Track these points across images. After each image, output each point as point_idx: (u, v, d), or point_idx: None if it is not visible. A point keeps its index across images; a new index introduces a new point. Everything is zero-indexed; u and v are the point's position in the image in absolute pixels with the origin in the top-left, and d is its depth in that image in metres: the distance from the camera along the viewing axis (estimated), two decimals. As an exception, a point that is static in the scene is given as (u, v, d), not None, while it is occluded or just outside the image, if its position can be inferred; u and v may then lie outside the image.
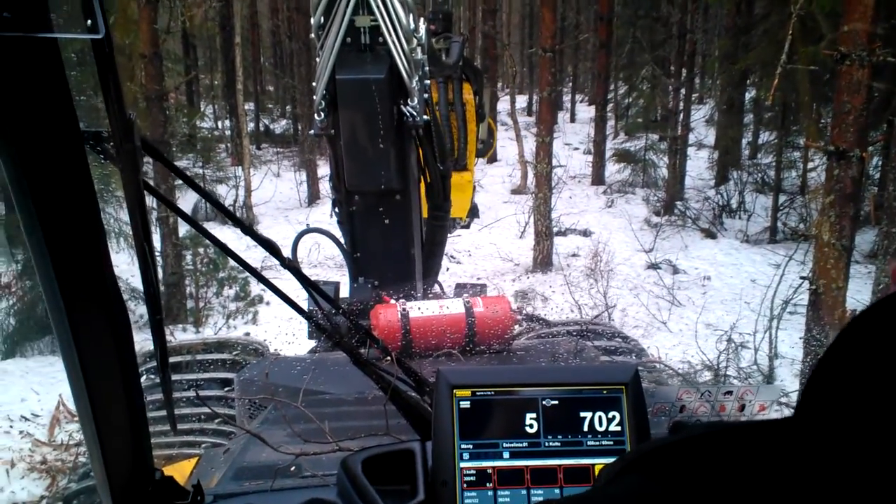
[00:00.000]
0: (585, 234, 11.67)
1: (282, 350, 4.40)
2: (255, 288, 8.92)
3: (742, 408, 1.62)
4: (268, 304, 8.70)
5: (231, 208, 12.16)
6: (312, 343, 3.81)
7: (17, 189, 0.89)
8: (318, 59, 3.13)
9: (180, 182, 8.90)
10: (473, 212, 6.18)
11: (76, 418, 5.40)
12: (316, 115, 3.15)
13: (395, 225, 3.38)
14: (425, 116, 3.28)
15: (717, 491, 0.50)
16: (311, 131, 3.32)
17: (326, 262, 9.39)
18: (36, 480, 4.80)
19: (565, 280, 8.59)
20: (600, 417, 1.36)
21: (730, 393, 1.61)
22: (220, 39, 18.41)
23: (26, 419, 5.63)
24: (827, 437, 0.44)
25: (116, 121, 1.00)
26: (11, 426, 5.50)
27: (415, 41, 3.10)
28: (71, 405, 5.64)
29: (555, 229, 10.70)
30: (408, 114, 3.14)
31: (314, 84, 3.19)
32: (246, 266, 1.43)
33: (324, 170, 14.24)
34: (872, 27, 5.22)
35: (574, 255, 10.51)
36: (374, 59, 3.04)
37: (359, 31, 3.02)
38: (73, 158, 0.92)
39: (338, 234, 3.72)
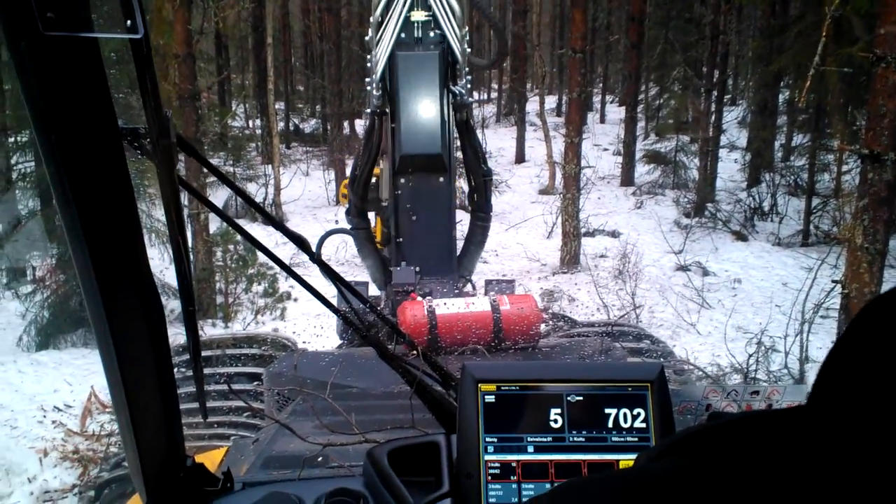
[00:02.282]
0: (614, 234, 11.60)
1: (309, 346, 4.45)
2: (284, 284, 9.00)
3: (769, 408, 1.61)
4: (295, 300, 8.78)
5: (266, 208, 12.30)
6: (340, 341, 3.87)
7: (58, 184, 0.92)
8: (370, 55, 3.60)
9: (212, 179, 9.03)
10: None
11: (108, 409, 5.51)
12: (374, 93, 3.60)
13: (437, 207, 3.60)
14: (471, 99, 3.60)
15: (749, 473, 0.51)
16: (368, 109, 3.79)
17: (354, 260, 9.43)
18: (68, 469, 4.91)
19: (592, 280, 8.55)
20: (625, 414, 1.37)
21: (757, 393, 1.60)
22: (252, 40, 18.64)
23: (59, 409, 5.75)
24: (838, 423, 0.45)
25: (153, 118, 1.03)
26: (45, 416, 5.62)
27: (464, 30, 3.53)
28: (103, 396, 5.75)
29: (583, 230, 10.65)
30: (457, 93, 3.58)
31: (369, 65, 3.70)
32: (278, 261, 1.46)
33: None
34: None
35: (602, 256, 10.45)
36: (426, 48, 3.56)
37: (412, 26, 3.53)
38: (111, 154, 0.95)
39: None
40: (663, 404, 1.38)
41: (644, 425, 1.38)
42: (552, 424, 1.36)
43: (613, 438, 1.37)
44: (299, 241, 1.46)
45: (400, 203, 3.62)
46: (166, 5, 8.00)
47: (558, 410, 1.37)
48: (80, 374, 6.37)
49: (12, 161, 8.29)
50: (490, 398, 1.37)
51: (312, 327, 6.66)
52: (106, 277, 1.00)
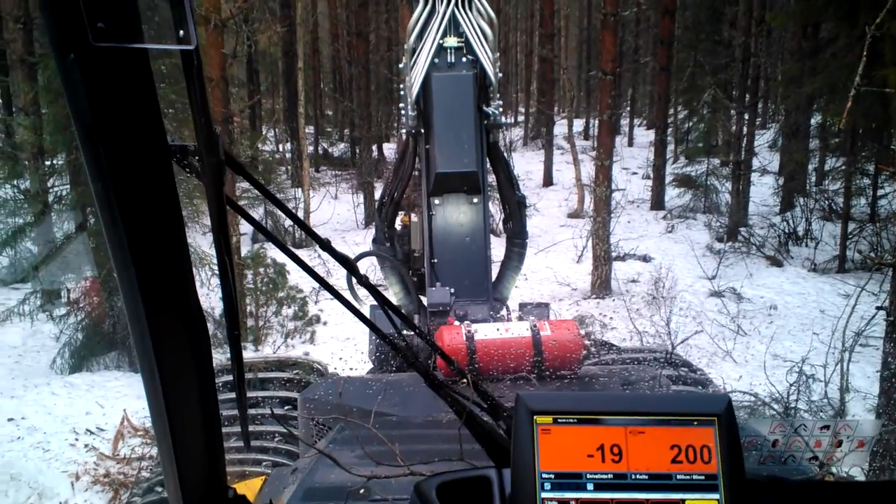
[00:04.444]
0: (645, 259, 11.45)
1: (340, 370, 4.40)
2: (313, 308, 8.99)
3: (840, 444, 1.51)
4: (325, 323, 8.76)
5: (290, 229, 12.38)
6: (370, 365, 3.82)
7: (104, 201, 0.88)
8: (409, 78, 3.66)
9: (243, 202, 9.07)
10: None
11: (139, 433, 5.49)
12: (411, 113, 3.69)
13: (472, 228, 3.62)
14: (504, 120, 3.62)
15: None
16: (403, 130, 3.93)
17: (381, 283, 9.41)
18: (99, 493, 4.89)
19: (625, 306, 8.41)
20: (691, 450, 1.28)
21: (826, 427, 1.50)
22: (283, 64, 18.87)
23: (91, 433, 5.75)
24: None
25: (202, 134, 0.99)
26: (77, 439, 5.62)
27: (496, 55, 3.60)
28: (135, 420, 5.74)
29: (613, 254, 10.52)
30: (490, 113, 3.65)
31: (403, 92, 3.82)
32: (328, 287, 1.39)
33: (380, 192, 14.34)
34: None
35: (633, 281, 10.31)
36: (458, 71, 3.64)
37: (445, 51, 3.64)
38: (160, 172, 0.91)
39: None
40: (731, 440, 1.29)
41: (710, 462, 1.29)
42: (613, 460, 1.28)
43: (679, 477, 1.28)
44: (346, 263, 1.41)
45: (434, 223, 3.63)
46: (199, 29, 8.12)
47: (619, 445, 1.29)
48: (113, 396, 6.39)
49: (49, 184, 8.41)
50: (546, 431, 1.30)
51: (340, 350, 6.63)
52: (152, 300, 0.95)
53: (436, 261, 3.61)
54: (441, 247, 3.61)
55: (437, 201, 3.61)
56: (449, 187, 3.58)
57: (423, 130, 3.72)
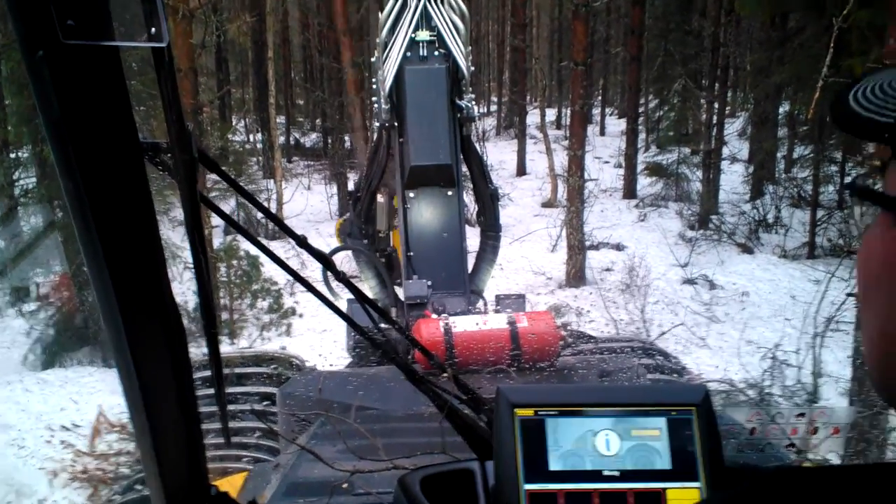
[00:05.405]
0: (618, 248, 11.55)
1: (319, 365, 4.38)
2: (289, 300, 8.94)
3: (815, 430, 1.54)
4: (300, 316, 8.71)
5: (263, 221, 12.27)
6: (349, 358, 3.81)
7: (75, 199, 0.86)
8: (378, 73, 3.67)
9: (214, 193, 8.97)
10: None
11: (116, 428, 5.43)
12: (383, 106, 3.68)
13: (446, 220, 3.62)
14: (477, 113, 3.78)
15: None
16: (376, 123, 3.91)
17: (359, 276, 9.39)
18: (77, 490, 4.84)
19: (600, 295, 8.48)
20: (670, 440, 1.30)
21: (802, 415, 1.53)
22: (253, 54, 18.65)
23: (67, 429, 5.67)
24: None
25: (175, 131, 0.98)
26: (52, 436, 5.54)
27: (468, 48, 3.61)
28: (111, 415, 5.67)
29: (587, 243, 10.59)
30: (463, 107, 3.68)
31: (375, 86, 3.80)
32: (304, 282, 1.39)
33: (354, 182, 14.26)
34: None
35: (608, 270, 10.39)
36: (431, 65, 3.65)
37: (417, 45, 3.64)
38: (132, 169, 0.89)
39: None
40: (710, 429, 1.31)
41: (690, 451, 1.31)
42: (594, 451, 1.29)
43: (659, 465, 1.30)
44: (324, 260, 1.40)
45: (410, 216, 3.63)
46: (168, 20, 7.98)
47: (600, 436, 1.30)
48: (87, 392, 6.30)
49: (14, 177, 8.24)
50: (527, 423, 1.30)
51: (319, 344, 6.60)
52: (126, 297, 0.94)
53: (412, 254, 3.61)
54: (417, 240, 3.61)
55: (411, 194, 3.61)
56: (423, 180, 3.59)
57: (395, 124, 3.72)
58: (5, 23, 9.17)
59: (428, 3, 3.64)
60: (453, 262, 3.62)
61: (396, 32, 3.65)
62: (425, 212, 3.63)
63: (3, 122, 8.38)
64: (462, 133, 3.80)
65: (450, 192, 3.61)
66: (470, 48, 3.73)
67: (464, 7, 3.64)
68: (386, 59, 3.64)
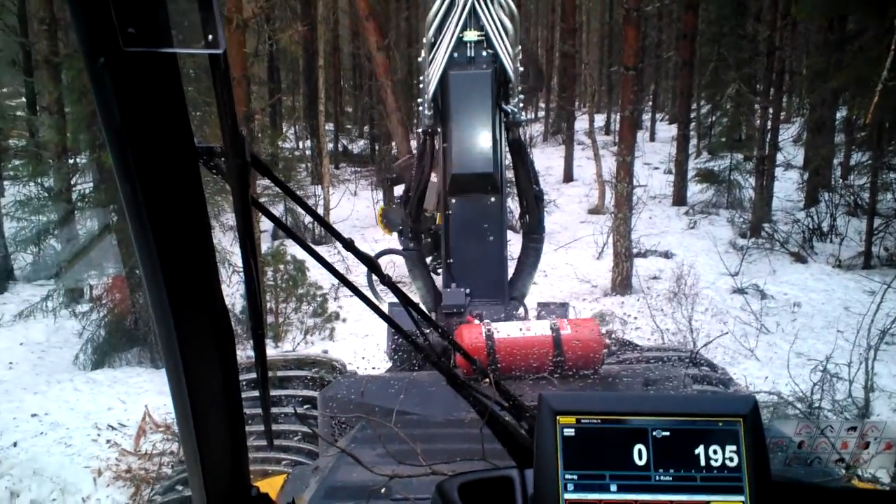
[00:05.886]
0: (667, 255, 11.36)
1: (361, 370, 4.41)
2: (332, 304, 9.03)
3: (867, 445, 1.49)
4: (344, 320, 8.79)
5: (310, 226, 12.44)
6: (390, 363, 3.82)
7: (132, 203, 0.89)
8: (427, 73, 3.57)
9: (263, 200, 9.13)
10: None
11: (161, 428, 5.55)
12: (426, 112, 3.60)
13: (488, 228, 3.55)
14: (524, 117, 3.67)
15: None
16: (419, 129, 3.83)
17: (401, 280, 9.44)
18: (121, 489, 4.94)
19: (647, 304, 8.35)
20: (716, 451, 1.27)
21: (853, 429, 1.48)
22: (304, 62, 18.94)
23: (113, 428, 5.81)
24: None
25: (229, 136, 1.00)
26: (99, 435, 5.68)
27: (516, 49, 3.51)
28: (157, 416, 5.80)
29: (634, 250, 10.45)
30: (510, 111, 3.58)
31: (423, 87, 3.67)
32: (351, 286, 1.40)
33: (400, 189, 14.37)
34: None
35: (655, 278, 10.23)
36: (478, 67, 3.55)
37: (465, 45, 3.54)
38: (187, 173, 0.92)
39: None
40: (757, 441, 1.28)
41: (735, 464, 1.28)
42: (637, 461, 1.27)
43: (703, 478, 1.27)
44: (369, 262, 1.41)
45: (451, 224, 3.59)
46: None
47: (643, 446, 1.28)
48: (134, 392, 6.45)
49: (72, 182, 8.52)
50: (570, 431, 1.29)
51: (362, 349, 6.64)
52: (179, 300, 0.96)
53: (452, 261, 3.58)
54: (457, 246, 3.58)
55: (453, 200, 3.57)
56: (465, 188, 3.53)
57: (439, 129, 3.66)
58: (67, 33, 9.53)
59: (476, 2, 3.54)
60: (494, 271, 3.58)
61: (444, 32, 3.56)
62: (467, 218, 3.58)
63: (63, 128, 8.67)
64: (509, 137, 3.72)
65: (492, 199, 3.54)
66: (519, 48, 3.62)
67: (513, 7, 3.53)
68: (432, 60, 3.57)
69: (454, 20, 3.53)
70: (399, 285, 1.51)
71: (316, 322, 8.74)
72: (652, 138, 24.44)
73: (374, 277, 1.48)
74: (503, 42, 3.50)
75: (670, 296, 8.87)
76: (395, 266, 9.55)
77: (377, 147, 18.48)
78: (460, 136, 3.49)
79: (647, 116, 26.38)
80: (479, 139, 3.47)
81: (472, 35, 3.56)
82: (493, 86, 3.52)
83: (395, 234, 4.38)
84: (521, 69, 3.69)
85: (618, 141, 10.91)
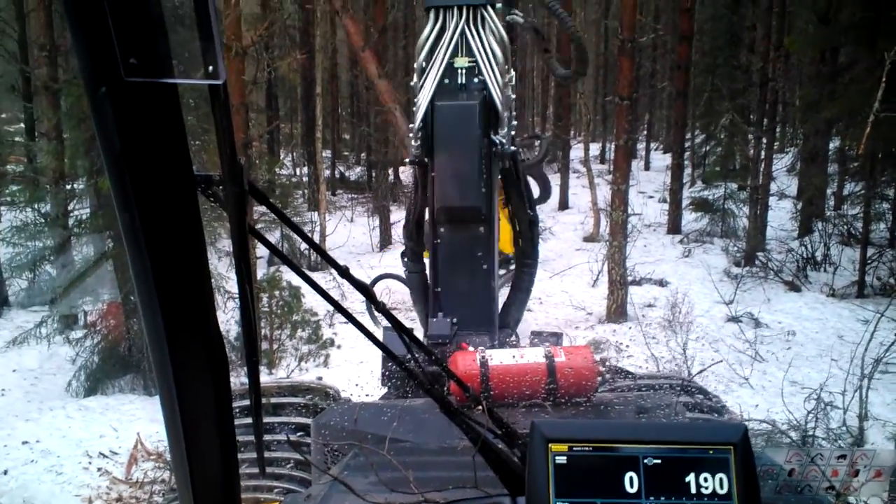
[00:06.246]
0: (661, 283, 11.39)
1: (355, 397, 4.39)
2: (327, 331, 9.01)
3: (857, 473, 1.50)
4: (339, 347, 8.76)
5: (306, 252, 12.45)
6: (384, 390, 3.81)
7: (130, 230, 0.90)
8: (416, 100, 3.51)
9: (260, 225, 9.15)
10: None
11: (153, 456, 5.50)
12: (413, 143, 3.53)
13: (477, 258, 3.51)
14: (513, 148, 3.52)
15: None
16: (407, 160, 3.72)
17: (396, 307, 9.43)
18: (112, 517, 4.89)
19: (641, 331, 8.36)
20: (706, 479, 1.28)
21: (844, 457, 1.49)
22: (302, 90, 19.09)
23: (105, 456, 5.76)
24: None
25: (227, 165, 1.02)
26: (90, 462, 5.63)
27: (507, 78, 3.43)
28: (149, 443, 5.75)
29: (629, 278, 10.47)
30: (498, 142, 3.47)
31: (414, 114, 3.59)
32: (346, 313, 1.41)
33: (396, 215, 14.43)
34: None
35: (650, 306, 10.25)
36: (468, 95, 3.45)
37: (456, 71, 3.46)
38: (185, 201, 0.93)
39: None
40: (747, 469, 1.29)
41: (726, 491, 1.29)
42: (628, 489, 1.28)
43: (694, 505, 1.28)
44: (364, 290, 1.42)
45: (439, 253, 3.56)
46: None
47: (634, 474, 1.29)
48: (127, 419, 6.40)
49: (69, 208, 8.53)
50: (561, 459, 1.30)
51: (357, 376, 6.62)
52: (173, 325, 0.98)
53: (439, 290, 3.56)
54: (445, 276, 3.55)
55: (442, 230, 3.54)
56: (451, 219, 3.50)
57: (426, 159, 3.59)
58: (67, 59, 9.61)
59: (467, 28, 3.42)
60: (482, 301, 3.54)
61: (434, 57, 3.47)
62: (455, 248, 3.54)
63: (61, 154, 8.70)
64: (503, 165, 3.65)
65: (482, 229, 3.49)
66: (512, 74, 3.53)
67: (503, 33, 3.44)
68: (422, 86, 3.50)
69: (444, 45, 3.44)
70: (396, 311, 1.53)
71: (311, 349, 8.71)
72: (647, 167, 24.61)
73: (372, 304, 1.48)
74: (492, 70, 3.41)
75: (665, 324, 8.88)
76: (391, 292, 9.57)
77: (374, 174, 18.55)
78: (446, 169, 3.44)
79: (641, 146, 26.57)
80: (464, 172, 3.40)
81: (462, 61, 3.47)
82: (481, 116, 3.42)
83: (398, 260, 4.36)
84: (514, 96, 3.62)
85: (613, 169, 10.98)
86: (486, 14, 3.41)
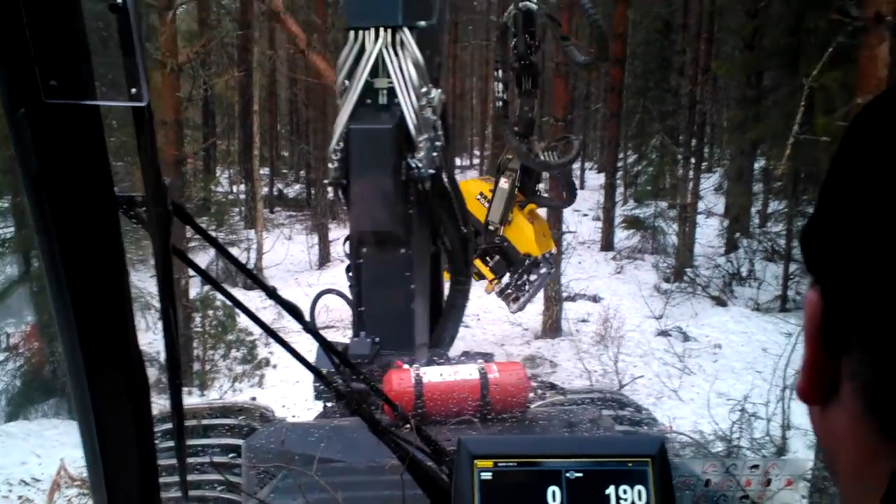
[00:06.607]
0: (595, 299, 11.61)
1: (287, 416, 4.34)
2: (262, 351, 8.86)
3: (769, 482, 1.57)
4: (274, 367, 8.63)
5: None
6: (319, 404, 3.77)
7: (47, 252, 0.89)
8: (337, 118, 3.44)
9: (193, 244, 8.96)
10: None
11: (76, 483, 5.30)
12: (330, 164, 3.46)
13: (401, 278, 3.48)
14: (431, 171, 3.43)
15: None
16: (326, 181, 3.63)
17: (335, 324, 9.33)
18: (33, 546, 4.69)
19: (575, 346, 8.50)
20: (625, 491, 1.32)
21: (756, 467, 1.56)
22: (239, 107, 18.84)
23: (26, 483, 5.52)
24: None
25: (151, 185, 1.01)
26: (10, 490, 5.40)
27: (425, 100, 3.38)
28: (72, 470, 5.54)
29: (564, 294, 10.65)
30: (413, 166, 3.39)
31: (331, 135, 3.53)
32: (271, 332, 1.41)
33: (335, 233, 14.33)
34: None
35: (583, 321, 10.44)
36: (389, 117, 3.38)
37: (377, 92, 3.39)
38: (105, 223, 0.92)
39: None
40: (664, 481, 1.34)
41: (644, 503, 1.33)
42: (551, 503, 1.31)
43: (614, 517, 1.32)
44: (292, 310, 1.42)
45: (362, 273, 3.55)
46: (155, 73, 8.10)
47: (557, 488, 1.32)
48: (50, 445, 6.16)
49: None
50: (487, 475, 1.32)
51: (293, 394, 6.53)
52: (91, 348, 0.96)
53: (363, 309, 3.55)
54: (368, 296, 3.54)
55: (364, 250, 3.53)
56: (369, 242, 3.50)
57: (343, 182, 3.52)
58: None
59: (384, 49, 3.37)
60: (402, 322, 3.53)
61: (354, 78, 3.40)
62: (377, 269, 3.53)
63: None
64: (423, 187, 3.51)
65: (402, 251, 3.46)
66: (434, 94, 3.44)
67: (418, 54, 3.37)
68: (343, 105, 3.44)
69: (363, 66, 3.38)
70: (335, 329, 1.53)
71: (245, 369, 8.55)
72: (581, 186, 25.04)
73: (310, 321, 1.48)
74: (408, 93, 3.37)
75: (598, 338, 9.06)
76: (329, 310, 9.46)
77: (313, 191, 18.40)
78: (360, 193, 3.42)
79: (576, 165, 27.10)
80: (377, 197, 3.37)
81: (383, 82, 3.40)
82: (395, 141, 3.37)
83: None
84: (434, 117, 3.50)
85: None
86: (403, 37, 3.37)
